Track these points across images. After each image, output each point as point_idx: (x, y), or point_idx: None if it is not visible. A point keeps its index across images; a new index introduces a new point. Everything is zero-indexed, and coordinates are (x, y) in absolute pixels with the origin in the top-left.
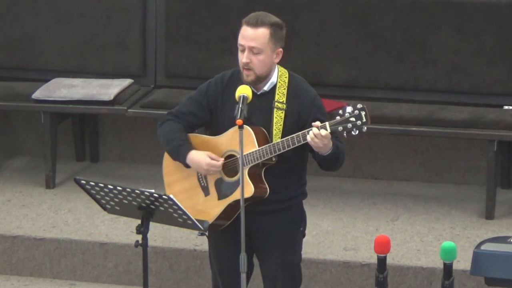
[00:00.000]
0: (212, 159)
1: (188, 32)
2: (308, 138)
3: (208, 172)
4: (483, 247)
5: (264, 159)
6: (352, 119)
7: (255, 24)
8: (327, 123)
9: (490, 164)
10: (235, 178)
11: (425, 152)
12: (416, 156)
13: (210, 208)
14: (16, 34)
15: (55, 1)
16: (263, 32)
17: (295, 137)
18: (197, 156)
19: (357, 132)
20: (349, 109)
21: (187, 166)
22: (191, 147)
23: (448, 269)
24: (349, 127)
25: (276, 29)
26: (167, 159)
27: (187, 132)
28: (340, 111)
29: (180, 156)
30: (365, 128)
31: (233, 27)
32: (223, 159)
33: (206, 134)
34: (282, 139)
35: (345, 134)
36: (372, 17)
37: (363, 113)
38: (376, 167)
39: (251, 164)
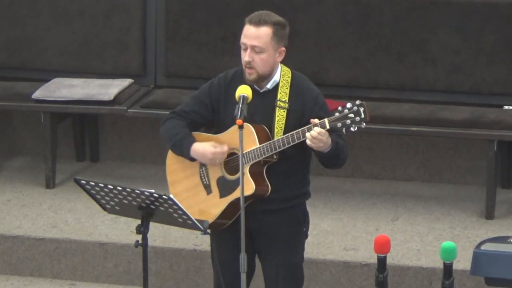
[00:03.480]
0: (215, 147)
1: (188, 32)
2: (308, 141)
3: (213, 161)
4: (483, 247)
5: (265, 156)
6: (351, 115)
7: (258, 23)
8: (325, 120)
9: (490, 164)
10: (237, 176)
11: (425, 152)
12: (416, 156)
13: (212, 206)
14: (16, 34)
15: (55, 1)
16: (265, 31)
17: (294, 134)
18: (201, 147)
19: (356, 128)
20: (348, 105)
21: (191, 159)
22: (194, 139)
23: (448, 269)
24: (347, 123)
25: (279, 28)
26: (170, 158)
27: (190, 129)
28: (340, 108)
29: (184, 149)
30: (364, 124)
31: (233, 27)
32: (227, 145)
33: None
34: (282, 136)
35: (344, 131)
36: (372, 17)
37: (361, 109)
38: (376, 167)
39: (251, 162)
